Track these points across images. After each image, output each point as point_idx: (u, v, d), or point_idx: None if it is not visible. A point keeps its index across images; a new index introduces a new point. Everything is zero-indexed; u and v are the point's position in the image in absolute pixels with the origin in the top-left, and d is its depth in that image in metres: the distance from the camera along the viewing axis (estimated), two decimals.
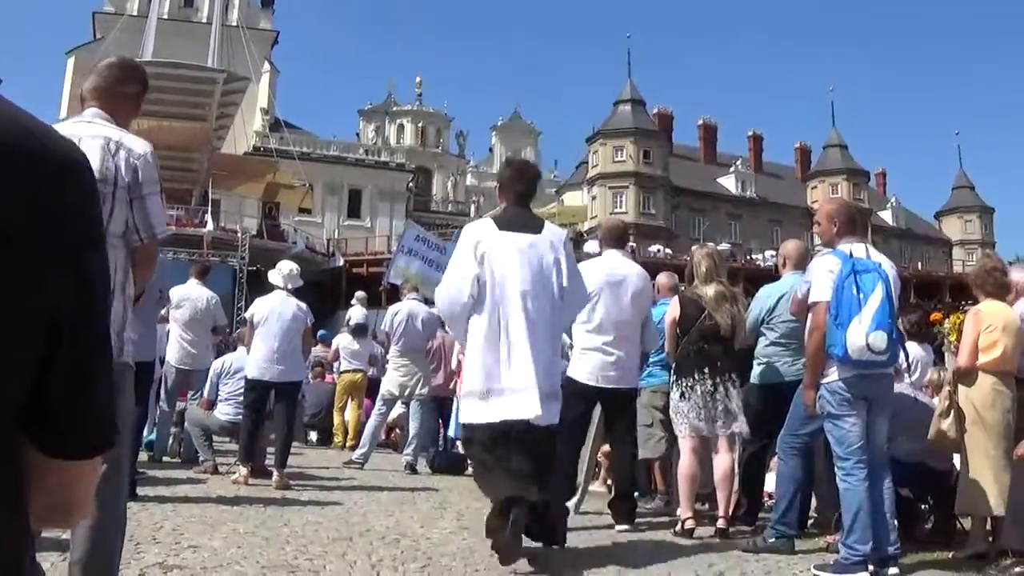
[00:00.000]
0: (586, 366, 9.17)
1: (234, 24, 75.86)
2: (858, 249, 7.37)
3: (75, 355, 1.31)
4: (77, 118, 4.94)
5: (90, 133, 4.67)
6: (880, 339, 6.89)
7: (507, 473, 7.13)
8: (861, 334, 6.88)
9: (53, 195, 1.27)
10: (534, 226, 7.79)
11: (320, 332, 22.61)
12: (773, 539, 7.91)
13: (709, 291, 9.07)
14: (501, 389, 7.18)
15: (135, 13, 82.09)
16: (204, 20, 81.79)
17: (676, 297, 9.67)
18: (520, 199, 7.97)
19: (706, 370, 8.96)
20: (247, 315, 12.39)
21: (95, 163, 4.23)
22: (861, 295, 6.97)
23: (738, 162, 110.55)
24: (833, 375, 7.20)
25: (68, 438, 1.36)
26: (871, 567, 6.96)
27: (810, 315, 7.81)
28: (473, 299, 7.35)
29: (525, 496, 6.86)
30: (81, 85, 5.21)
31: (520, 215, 7.84)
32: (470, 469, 14.72)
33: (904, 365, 8.13)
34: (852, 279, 7.03)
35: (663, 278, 11.35)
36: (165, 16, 78.10)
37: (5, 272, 1.20)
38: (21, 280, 1.22)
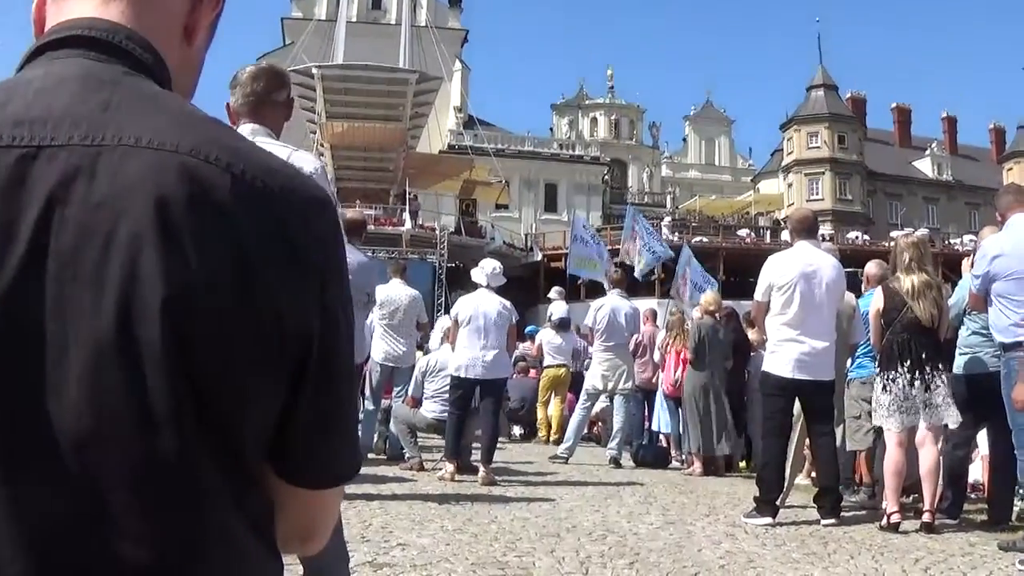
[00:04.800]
0: (782, 359, 9.17)
1: (423, 24, 76.52)
2: None
3: (321, 389, 1.34)
4: None
5: None
6: None
7: None
8: None
9: (306, 241, 1.30)
10: None
11: (528, 328, 22.77)
12: None
13: (911, 281, 8.91)
14: None
15: (323, 17, 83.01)
16: (393, 21, 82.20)
17: (879, 288, 9.49)
18: None
19: (908, 362, 8.80)
20: (451, 314, 12.51)
21: None
22: None
23: (933, 145, 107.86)
24: None
25: (312, 469, 1.39)
26: None
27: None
28: None
29: None
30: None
31: None
32: (674, 462, 14.74)
33: None
34: None
35: (872, 267, 11.10)
36: (354, 19, 78.41)
37: (256, 309, 1.23)
38: (270, 317, 1.25)
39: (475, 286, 12.17)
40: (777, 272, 9.23)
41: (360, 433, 12.54)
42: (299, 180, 1.35)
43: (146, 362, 1.18)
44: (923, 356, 8.80)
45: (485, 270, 12.10)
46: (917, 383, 8.74)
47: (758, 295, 9.47)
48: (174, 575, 1.21)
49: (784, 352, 9.15)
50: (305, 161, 4.82)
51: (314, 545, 1.50)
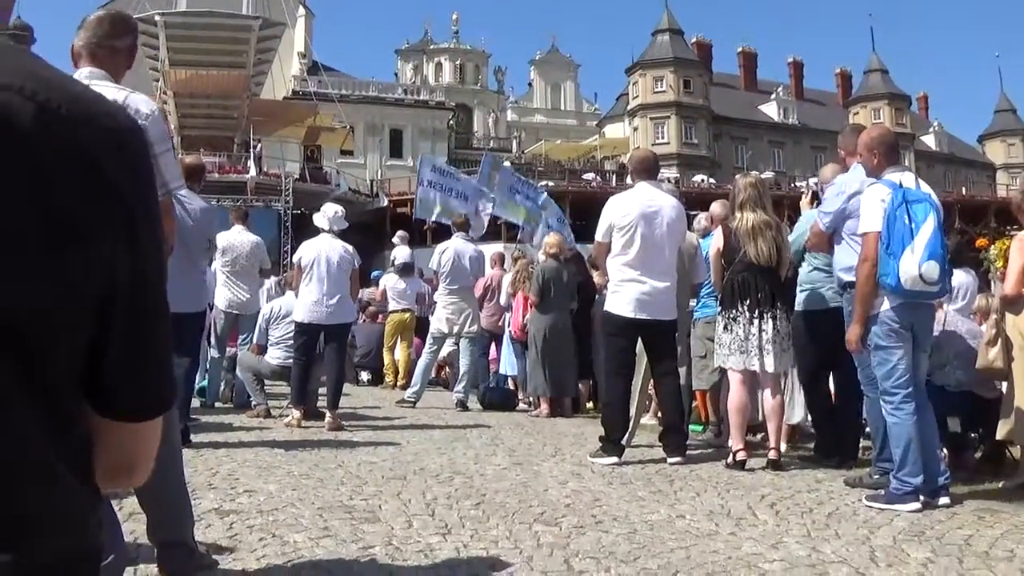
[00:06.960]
0: (623, 299, 9.22)
1: None
2: (907, 179, 7.26)
3: (132, 323, 1.33)
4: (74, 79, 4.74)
5: None
6: (933, 269, 6.78)
7: None
8: (914, 264, 6.77)
9: (107, 164, 1.27)
10: None
11: (373, 273, 22.68)
12: (877, 476, 7.63)
13: (749, 220, 9.02)
14: None
15: None
16: None
17: (720, 228, 9.59)
18: None
19: (748, 301, 8.91)
20: (294, 259, 12.39)
21: None
22: (913, 225, 6.85)
23: (779, 89, 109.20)
24: (883, 305, 7.11)
25: (127, 402, 1.38)
26: (922, 497, 6.90)
27: (831, 245, 7.92)
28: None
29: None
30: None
31: None
32: (521, 404, 14.78)
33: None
34: (904, 209, 6.90)
35: (716, 208, 11.17)
36: None
37: (59, 236, 1.21)
38: (75, 251, 1.23)
39: (318, 231, 12.08)
40: (618, 212, 9.24)
41: (207, 382, 12.37)
42: (107, 108, 1.32)
43: None
44: (761, 295, 8.91)
45: (327, 214, 12.01)
46: (757, 322, 8.85)
47: (599, 236, 9.48)
48: None
49: (625, 292, 9.18)
50: (140, 103, 4.74)
51: (138, 477, 1.50)
